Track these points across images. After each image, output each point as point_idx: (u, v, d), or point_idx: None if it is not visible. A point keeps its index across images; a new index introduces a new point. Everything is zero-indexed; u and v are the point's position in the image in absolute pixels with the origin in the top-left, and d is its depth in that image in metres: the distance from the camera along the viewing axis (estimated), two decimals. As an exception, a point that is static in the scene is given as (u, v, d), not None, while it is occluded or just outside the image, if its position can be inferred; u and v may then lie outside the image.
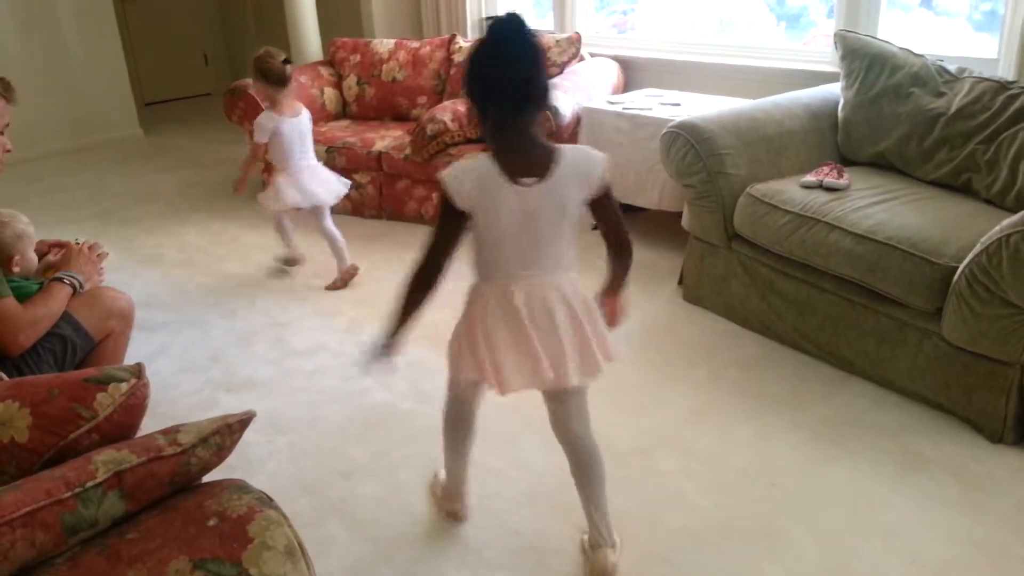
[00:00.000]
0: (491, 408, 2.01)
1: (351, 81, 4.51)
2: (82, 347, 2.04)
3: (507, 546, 1.90)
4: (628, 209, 3.81)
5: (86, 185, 4.99)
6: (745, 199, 2.73)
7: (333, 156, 4.02)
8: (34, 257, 2.03)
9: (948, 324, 2.19)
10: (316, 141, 4.03)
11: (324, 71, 4.57)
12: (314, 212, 3.27)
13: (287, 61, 3.07)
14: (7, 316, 1.85)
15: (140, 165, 5.38)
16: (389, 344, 1.65)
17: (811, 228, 2.50)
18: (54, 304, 2.00)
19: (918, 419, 2.30)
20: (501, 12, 1.54)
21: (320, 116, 4.41)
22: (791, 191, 2.66)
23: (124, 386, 1.18)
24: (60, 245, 2.26)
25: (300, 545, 1.10)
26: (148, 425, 2.42)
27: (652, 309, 3.04)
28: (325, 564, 1.84)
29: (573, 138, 3.72)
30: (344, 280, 3.33)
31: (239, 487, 1.14)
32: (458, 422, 1.89)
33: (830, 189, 2.61)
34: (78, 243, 2.25)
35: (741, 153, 2.83)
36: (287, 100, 3.13)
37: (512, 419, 2.33)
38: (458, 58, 4.31)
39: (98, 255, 2.22)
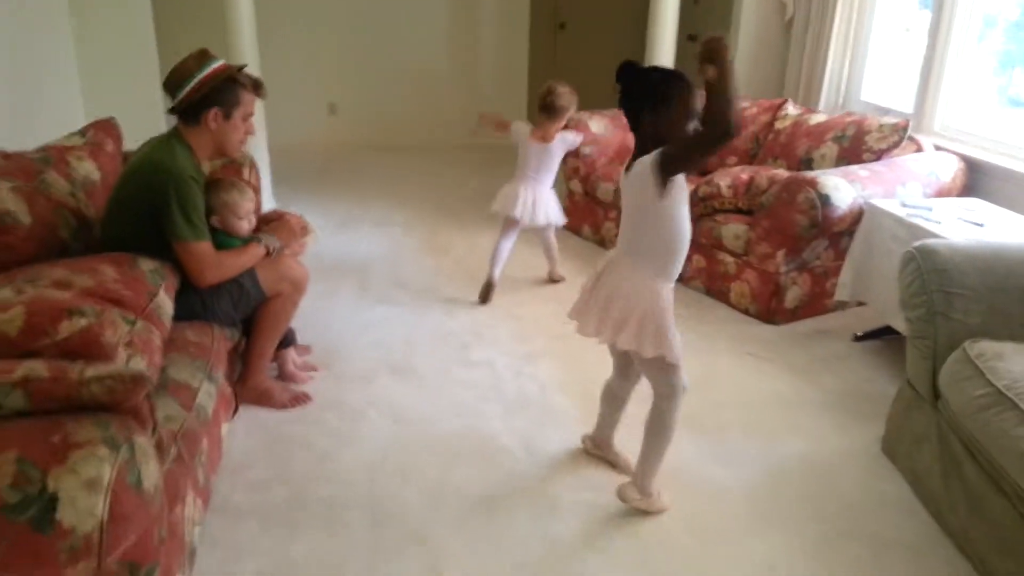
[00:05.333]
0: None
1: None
2: (255, 297, 2.53)
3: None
4: (887, 332, 3.24)
5: (443, 175, 5.78)
6: (958, 354, 2.19)
7: (609, 193, 4.14)
8: (235, 222, 2.54)
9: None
10: (599, 175, 4.22)
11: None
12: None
13: (549, 92, 3.48)
14: (199, 255, 2.38)
15: (508, 171, 6.04)
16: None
17: (1002, 411, 1.93)
18: (244, 258, 2.50)
19: None
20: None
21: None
22: (1015, 361, 2.06)
23: (83, 321, 1.55)
24: (280, 218, 2.83)
25: (108, 485, 1.33)
26: (323, 376, 2.70)
27: (838, 449, 2.57)
28: None
29: (849, 234, 3.28)
30: (551, 277, 3.89)
31: (103, 424, 1.41)
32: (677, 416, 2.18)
33: (1059, 373, 1.97)
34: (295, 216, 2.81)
35: (981, 299, 2.26)
36: (546, 127, 3.53)
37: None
38: (780, 124, 4.05)
39: (302, 228, 2.74)
